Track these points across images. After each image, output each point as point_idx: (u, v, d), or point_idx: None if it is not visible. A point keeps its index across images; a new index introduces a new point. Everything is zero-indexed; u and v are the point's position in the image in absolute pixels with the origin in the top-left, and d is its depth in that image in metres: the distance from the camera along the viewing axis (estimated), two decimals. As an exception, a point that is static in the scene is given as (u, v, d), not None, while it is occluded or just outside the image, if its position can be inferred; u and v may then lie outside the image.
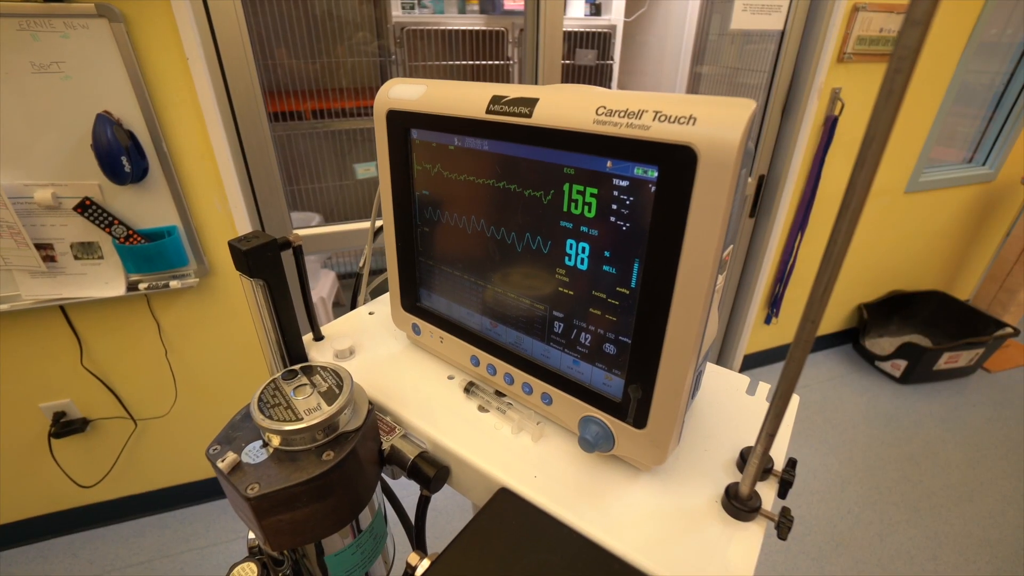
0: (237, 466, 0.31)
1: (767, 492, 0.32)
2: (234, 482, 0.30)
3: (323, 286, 2.19)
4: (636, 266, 0.28)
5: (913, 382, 2.03)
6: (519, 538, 0.29)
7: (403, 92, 0.35)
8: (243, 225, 1.14)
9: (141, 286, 1.09)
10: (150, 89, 0.96)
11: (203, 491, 1.48)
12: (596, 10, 2.44)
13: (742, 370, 2.10)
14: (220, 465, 0.30)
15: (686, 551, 0.28)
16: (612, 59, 2.43)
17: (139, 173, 0.99)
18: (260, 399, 0.33)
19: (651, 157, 0.25)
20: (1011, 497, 1.56)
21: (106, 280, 1.08)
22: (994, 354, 2.09)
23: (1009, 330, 1.94)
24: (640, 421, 0.30)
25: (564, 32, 1.32)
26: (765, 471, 0.33)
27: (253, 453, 0.32)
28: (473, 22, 2.21)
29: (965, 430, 1.83)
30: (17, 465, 1.26)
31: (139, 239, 1.05)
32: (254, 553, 0.36)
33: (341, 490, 0.32)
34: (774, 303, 1.93)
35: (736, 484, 0.31)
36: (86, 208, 0.99)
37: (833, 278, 0.24)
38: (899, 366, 2.01)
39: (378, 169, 0.39)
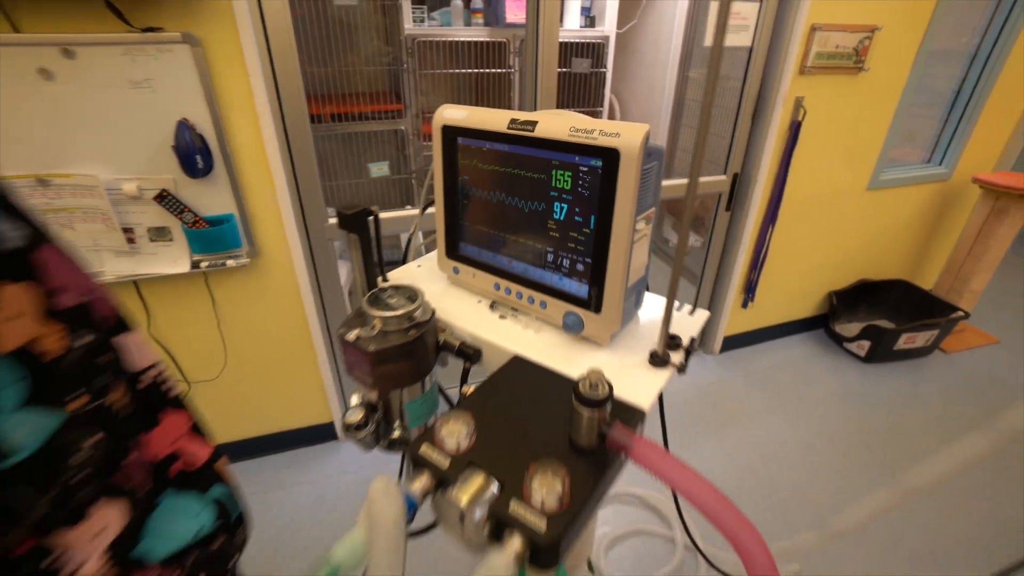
0: (358, 337, 0.51)
1: (679, 357, 0.53)
2: (359, 346, 0.50)
3: (339, 276, 2.38)
4: (593, 216, 0.48)
5: (876, 361, 2.24)
6: (526, 378, 0.50)
7: (453, 114, 0.56)
8: (288, 214, 1.35)
9: (202, 265, 1.30)
10: (218, 100, 1.17)
11: (248, 449, 1.69)
12: (590, 22, 2.65)
13: (722, 351, 2.31)
14: (348, 336, 0.51)
15: (627, 383, 0.49)
16: (605, 67, 2.63)
17: (207, 169, 1.20)
18: (367, 300, 0.54)
19: (598, 155, 0.46)
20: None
21: (174, 259, 1.28)
22: (951, 337, 2.31)
23: (960, 313, 2.15)
24: (597, 308, 0.51)
25: (561, 43, 1.52)
26: (677, 346, 0.54)
27: (365, 332, 0.52)
28: (477, 34, 2.40)
29: (921, 404, 2.04)
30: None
31: (204, 224, 1.26)
32: (359, 412, 0.57)
33: (419, 355, 0.53)
34: (750, 289, 2.14)
35: (655, 350, 0.52)
36: (163, 198, 1.20)
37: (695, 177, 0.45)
38: (863, 346, 2.22)
39: (433, 163, 0.60)
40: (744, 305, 2.19)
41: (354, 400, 0.58)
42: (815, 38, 1.64)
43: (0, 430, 0.27)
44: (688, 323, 0.58)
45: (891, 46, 1.77)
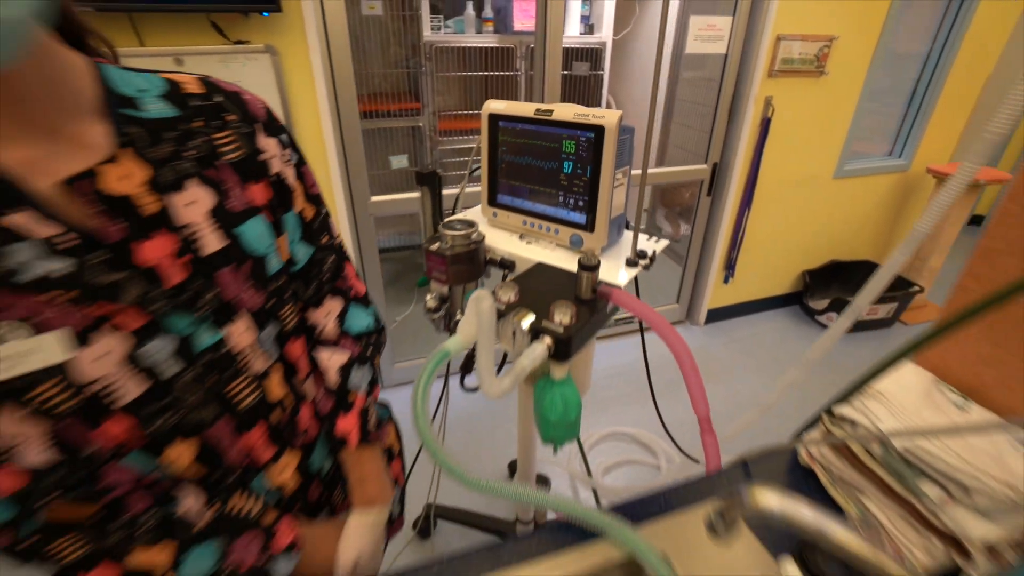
0: (439, 248, 0.80)
1: (644, 262, 0.81)
2: (440, 252, 0.79)
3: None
4: (588, 169, 0.77)
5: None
6: (546, 273, 0.78)
7: (496, 106, 0.84)
8: (338, 192, 1.63)
9: (269, 234, 1.58)
10: (289, 97, 1.45)
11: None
12: (589, 29, 2.93)
13: (707, 322, 2.60)
14: (432, 247, 0.79)
15: (611, 275, 0.77)
16: (603, 70, 2.92)
17: (278, 154, 1.48)
18: (443, 226, 0.82)
19: (591, 129, 0.74)
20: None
21: (247, 229, 1.56)
22: (912, 310, 2.59)
23: (916, 288, 2.44)
24: (591, 229, 0.79)
25: (563, 48, 1.79)
26: (644, 255, 0.82)
27: (443, 245, 0.81)
28: (488, 40, 2.67)
29: (879, 365, 2.32)
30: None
31: (273, 200, 1.54)
32: (435, 300, 0.85)
33: (476, 261, 0.81)
34: (730, 266, 2.42)
35: (632, 255, 0.80)
36: (243, 178, 1.48)
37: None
38: (832, 318, 2.51)
39: (480, 139, 0.88)
40: (725, 281, 2.48)
41: (429, 295, 0.86)
42: (780, 47, 1.93)
43: (293, 250, 0.56)
44: (653, 245, 0.86)
45: (847, 53, 2.05)
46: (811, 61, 2.00)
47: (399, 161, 2.88)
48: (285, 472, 0.55)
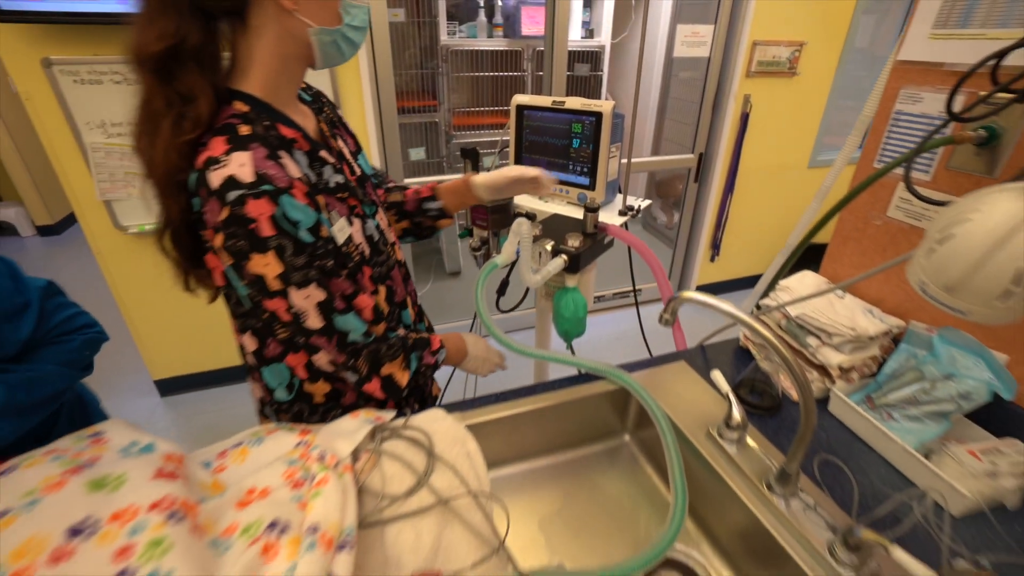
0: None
1: (632, 213, 1.11)
2: (483, 205, 1.08)
3: (389, 238, 2.94)
4: (591, 144, 1.06)
5: (817, 305, 2.80)
6: (560, 220, 1.07)
7: (522, 98, 1.13)
8: (377, 175, 1.92)
9: (320, 210, 1.87)
10: (341, 96, 1.74)
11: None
12: (589, 33, 3.22)
13: (695, 298, 2.88)
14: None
15: (607, 220, 1.07)
16: (602, 71, 3.20)
17: (330, 142, 1.77)
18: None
19: (592, 115, 1.03)
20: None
21: (302, 206, 1.85)
22: (880, 287, 2.87)
23: (881, 265, 2.72)
24: (593, 188, 1.08)
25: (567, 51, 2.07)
26: (632, 208, 1.11)
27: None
28: (498, 44, 2.95)
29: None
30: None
31: (325, 181, 1.83)
32: (477, 241, 1.14)
33: (508, 211, 1.10)
34: (715, 245, 2.71)
35: (623, 207, 1.10)
36: (301, 161, 1.77)
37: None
38: (807, 293, 2.79)
39: (509, 125, 1.17)
40: (712, 259, 2.76)
41: (471, 240, 1.15)
42: (756, 51, 2.21)
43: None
44: (638, 202, 1.15)
45: (816, 57, 2.34)
46: (784, 63, 2.29)
47: (417, 153, 3.17)
48: (409, 307, 0.86)
